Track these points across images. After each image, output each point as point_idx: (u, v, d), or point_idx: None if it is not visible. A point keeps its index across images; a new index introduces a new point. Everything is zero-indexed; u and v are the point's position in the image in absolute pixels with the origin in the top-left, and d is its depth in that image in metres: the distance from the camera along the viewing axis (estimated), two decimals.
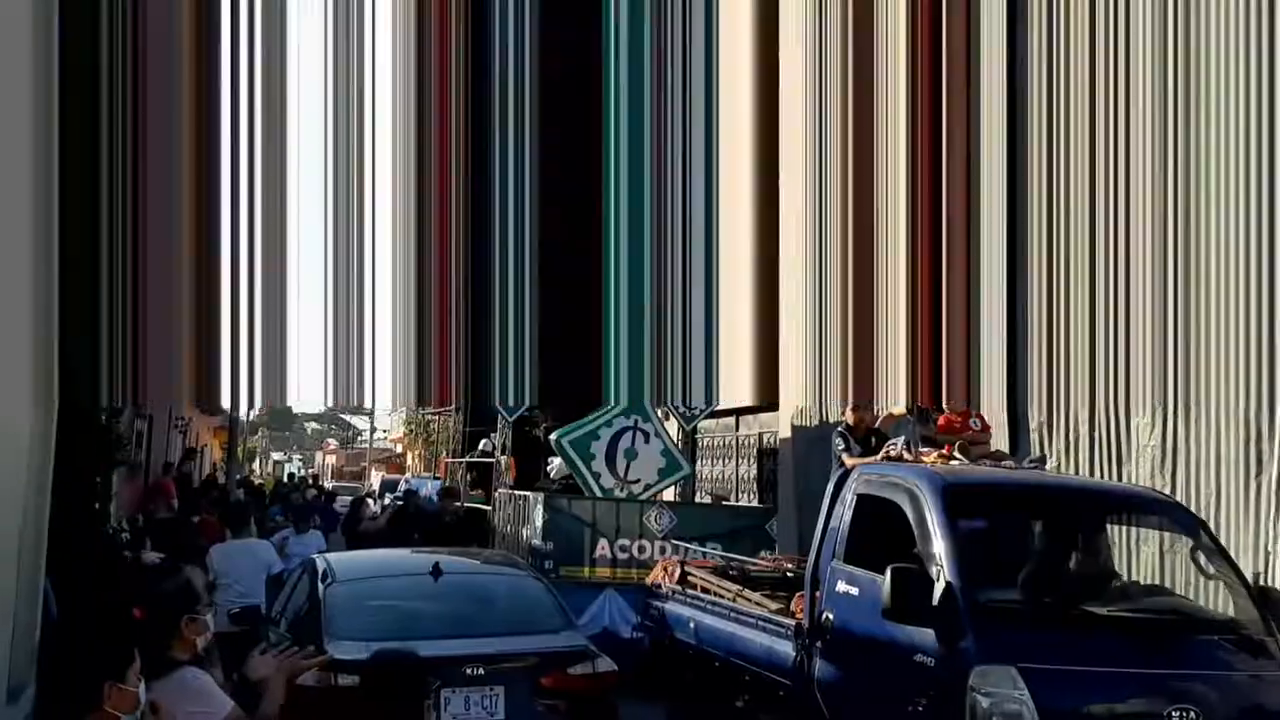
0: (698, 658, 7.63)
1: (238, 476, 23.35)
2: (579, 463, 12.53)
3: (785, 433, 16.66)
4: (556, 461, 13.12)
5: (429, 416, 43.21)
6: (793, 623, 6.46)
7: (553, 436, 12.92)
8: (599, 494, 12.20)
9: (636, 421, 12.80)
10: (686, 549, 9.97)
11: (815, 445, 15.27)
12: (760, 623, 6.86)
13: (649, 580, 8.82)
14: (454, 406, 17.66)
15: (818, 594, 6.32)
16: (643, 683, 9.30)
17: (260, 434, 72.77)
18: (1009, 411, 10.91)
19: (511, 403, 14.06)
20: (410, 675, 5.91)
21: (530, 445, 14.94)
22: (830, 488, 6.78)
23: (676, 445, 13.71)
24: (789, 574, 8.13)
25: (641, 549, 11.14)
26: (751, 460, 18.37)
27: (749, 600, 7.25)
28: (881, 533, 6.05)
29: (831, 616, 6.11)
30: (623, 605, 10.44)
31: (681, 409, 14.47)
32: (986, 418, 8.05)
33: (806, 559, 8.07)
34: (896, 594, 5.25)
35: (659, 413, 13.77)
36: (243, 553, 9.46)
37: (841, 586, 6.11)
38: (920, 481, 5.97)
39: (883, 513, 6.14)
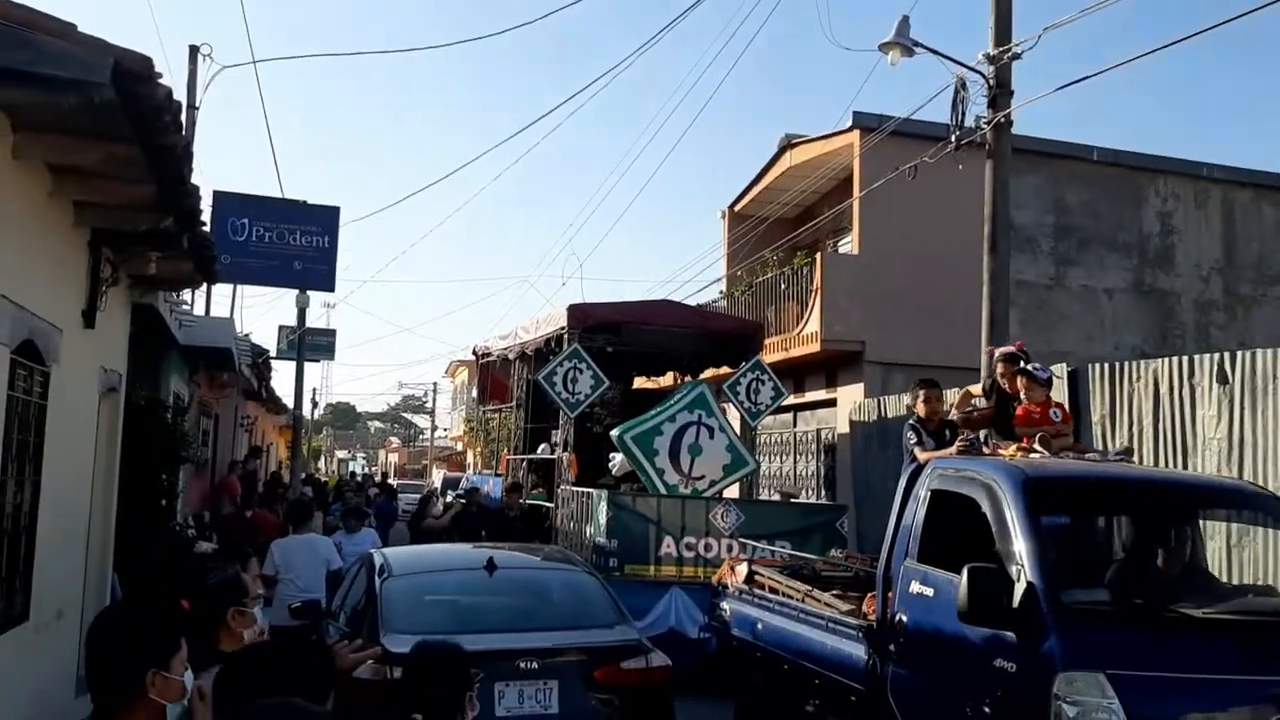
0: (765, 660, 7.32)
1: (302, 474, 23.52)
2: (642, 459, 12.11)
3: (843, 428, 16.41)
4: (618, 458, 12.76)
5: (488, 414, 43.58)
6: (864, 624, 6.17)
7: (615, 432, 12.58)
8: (663, 491, 11.84)
9: (700, 416, 12.41)
10: (754, 547, 9.67)
11: (873, 440, 15.07)
12: (830, 624, 6.55)
13: (715, 579, 8.52)
14: (514, 403, 16.95)
15: (890, 595, 6.00)
16: (710, 684, 9.06)
17: (325, 432, 73.87)
18: (1070, 404, 10.63)
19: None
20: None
21: (592, 441, 14.44)
22: (901, 483, 6.42)
23: (741, 440, 13.32)
24: (860, 573, 7.80)
25: (708, 547, 10.87)
26: (810, 456, 18.11)
27: (818, 601, 6.94)
28: (957, 531, 5.73)
29: (905, 619, 5.79)
30: (689, 604, 10.19)
31: (746, 403, 14.09)
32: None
33: (878, 558, 7.92)
34: (974, 595, 4.91)
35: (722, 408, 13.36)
36: (303, 548, 9.45)
37: (915, 587, 5.77)
38: (999, 476, 5.59)
39: (959, 509, 5.80)
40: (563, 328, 13.74)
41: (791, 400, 15.44)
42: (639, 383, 17.82)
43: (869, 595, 6.54)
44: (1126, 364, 10.04)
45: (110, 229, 7.20)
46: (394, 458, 74.87)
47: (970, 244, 13.87)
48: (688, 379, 16.08)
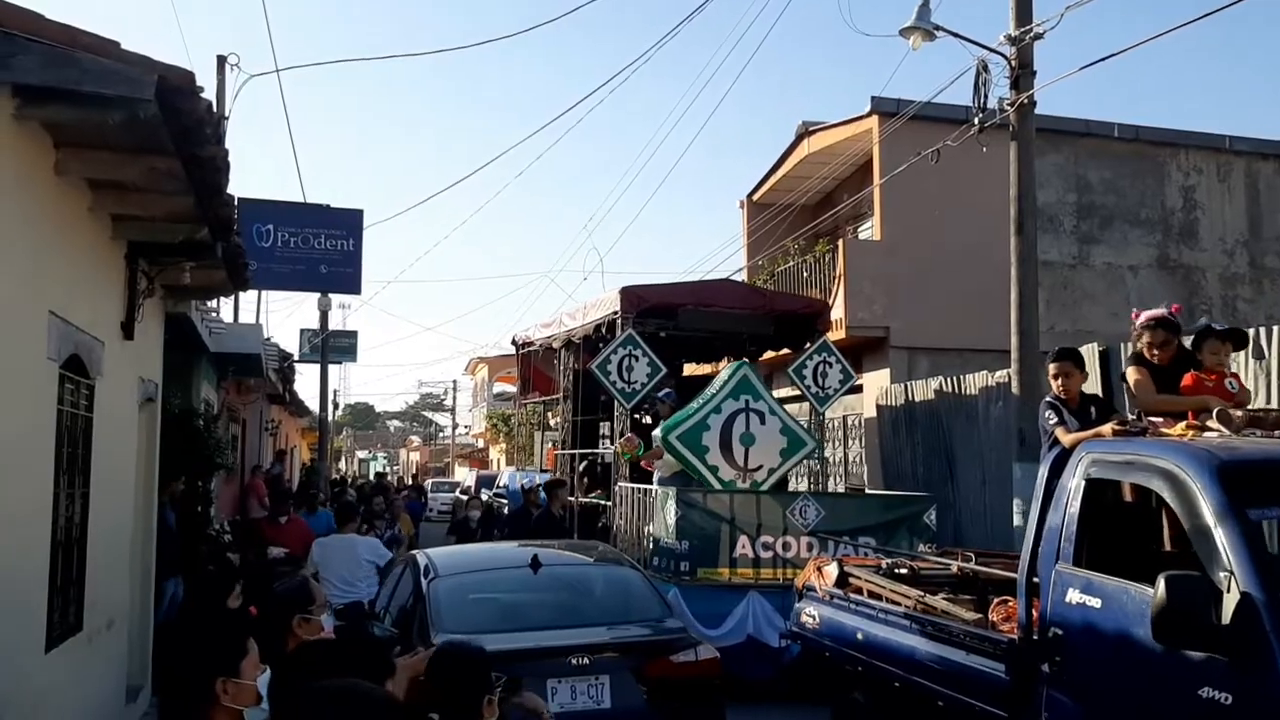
0: (868, 675, 6.48)
1: (336, 475, 23.61)
2: (693, 458, 11.08)
3: (870, 413, 16.41)
4: (667, 456, 11.70)
5: (522, 408, 43.60)
6: (1006, 640, 5.25)
7: (657, 433, 11.53)
8: (719, 489, 10.88)
9: (747, 402, 11.34)
10: (837, 544, 9.07)
11: (901, 425, 15.07)
12: (957, 637, 5.63)
13: (799, 582, 7.68)
14: (560, 395, 15.98)
15: (1036, 604, 5.11)
16: (788, 693, 8.82)
17: (344, 433, 74.18)
18: (1102, 385, 10.59)
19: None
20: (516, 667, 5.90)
21: (643, 434, 13.41)
22: (1042, 472, 5.56)
23: (795, 419, 12.20)
24: (964, 573, 7.00)
25: (786, 546, 10.03)
26: (836, 443, 18.11)
27: (933, 608, 6.03)
28: (1125, 528, 5.03)
29: (1061, 633, 4.86)
30: (768, 609, 9.46)
31: (814, 388, 13.33)
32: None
33: (977, 555, 7.32)
34: (1175, 609, 4.04)
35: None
36: (341, 547, 9.53)
37: (1075, 596, 4.83)
38: (1183, 461, 4.59)
39: (1126, 502, 5.11)
40: (615, 312, 12.89)
41: (781, 393, 15.42)
42: (689, 370, 17.12)
43: (995, 602, 5.75)
44: None
45: (146, 241, 7.28)
46: (416, 456, 75.15)
47: (994, 226, 13.85)
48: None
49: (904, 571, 7.04)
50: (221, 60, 16.06)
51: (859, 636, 6.52)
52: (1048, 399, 6.04)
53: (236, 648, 2.80)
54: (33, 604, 5.50)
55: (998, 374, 12.69)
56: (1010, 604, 5.52)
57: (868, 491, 12.86)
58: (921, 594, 6.24)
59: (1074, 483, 5.11)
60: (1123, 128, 18.00)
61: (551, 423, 19.28)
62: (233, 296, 17.30)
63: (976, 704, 5.30)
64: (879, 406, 15.82)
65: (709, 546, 9.95)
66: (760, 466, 11.23)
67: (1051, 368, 6.07)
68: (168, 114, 4.90)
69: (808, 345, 13.68)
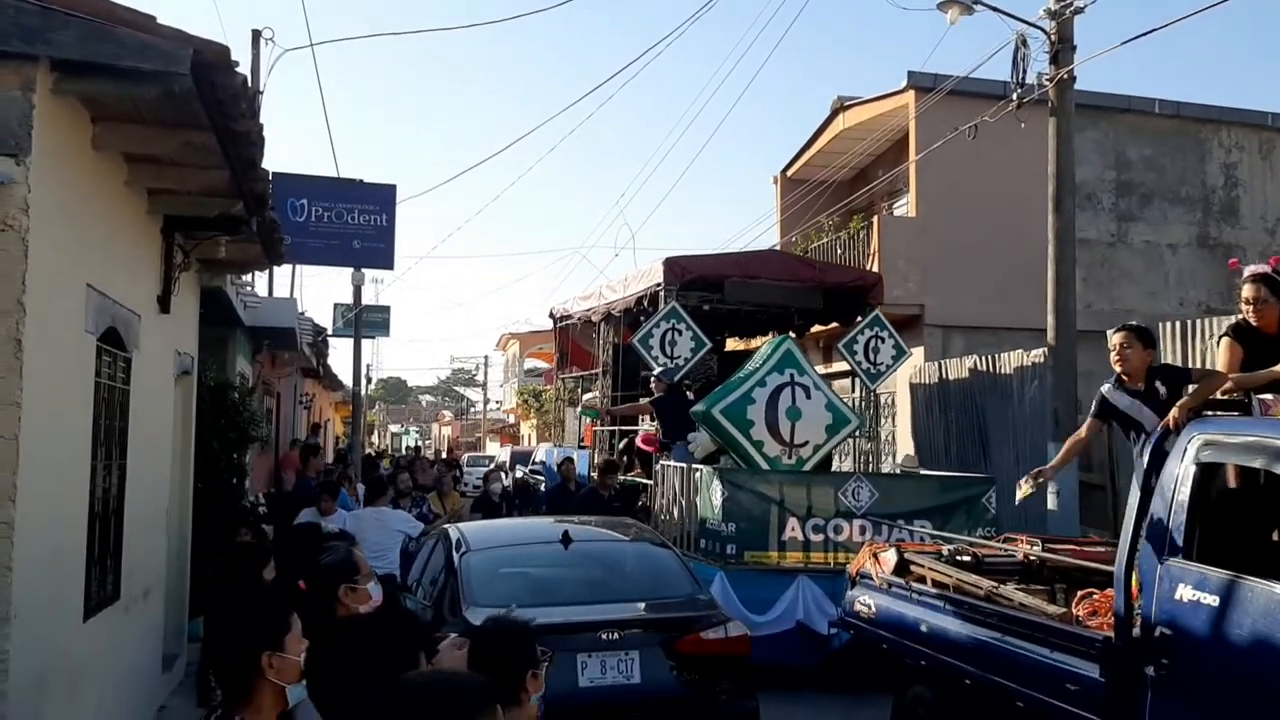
0: (934, 671, 6.05)
1: (371, 452, 23.78)
2: (737, 434, 10.58)
3: (904, 392, 16.31)
4: (699, 437, 11.29)
5: (539, 386, 43.96)
6: (1100, 637, 4.79)
7: (699, 408, 11.00)
8: (764, 466, 10.45)
9: (792, 375, 10.80)
10: (891, 528, 8.68)
11: (934, 404, 14.97)
12: (1041, 634, 5.14)
13: (853, 568, 7.22)
14: (599, 369, 15.47)
15: (1137, 600, 4.68)
16: (831, 681, 8.59)
17: (377, 407, 74.73)
18: None
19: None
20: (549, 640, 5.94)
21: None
22: (1143, 454, 5.07)
23: (839, 395, 11.71)
24: (1032, 561, 6.55)
25: (838, 529, 9.57)
26: (868, 422, 17.97)
27: (1009, 600, 5.55)
28: (1247, 518, 4.63)
29: (1171, 633, 4.44)
30: (818, 595, 9.08)
31: (865, 364, 12.84)
32: None
33: (1043, 541, 6.89)
34: None
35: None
36: (373, 520, 9.62)
37: (1186, 593, 4.41)
38: None
39: (1248, 489, 4.67)
40: (658, 284, 12.39)
41: (849, 365, 15.27)
42: (730, 344, 16.59)
43: (1079, 594, 5.34)
44: (1200, 321, 9.86)
45: (182, 215, 7.34)
46: (447, 431, 75.57)
47: (1030, 203, 13.71)
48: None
49: (966, 559, 6.56)
50: (256, 34, 16.10)
51: (923, 629, 6.09)
52: (1104, 389, 5.75)
53: (280, 622, 2.78)
54: (71, 574, 5.58)
55: (1033, 353, 12.57)
56: (1096, 597, 5.14)
57: (922, 472, 12.21)
58: (995, 584, 5.78)
59: (1182, 468, 4.67)
60: (1163, 104, 17.72)
61: (584, 398, 19.11)
62: (267, 271, 17.45)
63: (1065, 707, 4.84)
64: (912, 385, 15.72)
65: (757, 529, 9.53)
66: (806, 442, 10.77)
67: (1114, 340, 5.69)
68: (203, 88, 4.92)
69: (858, 319, 13.19)
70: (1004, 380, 13.30)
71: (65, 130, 5.09)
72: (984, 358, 13.84)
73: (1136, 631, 4.59)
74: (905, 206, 18.82)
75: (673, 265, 12.36)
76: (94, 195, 5.73)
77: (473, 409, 77.88)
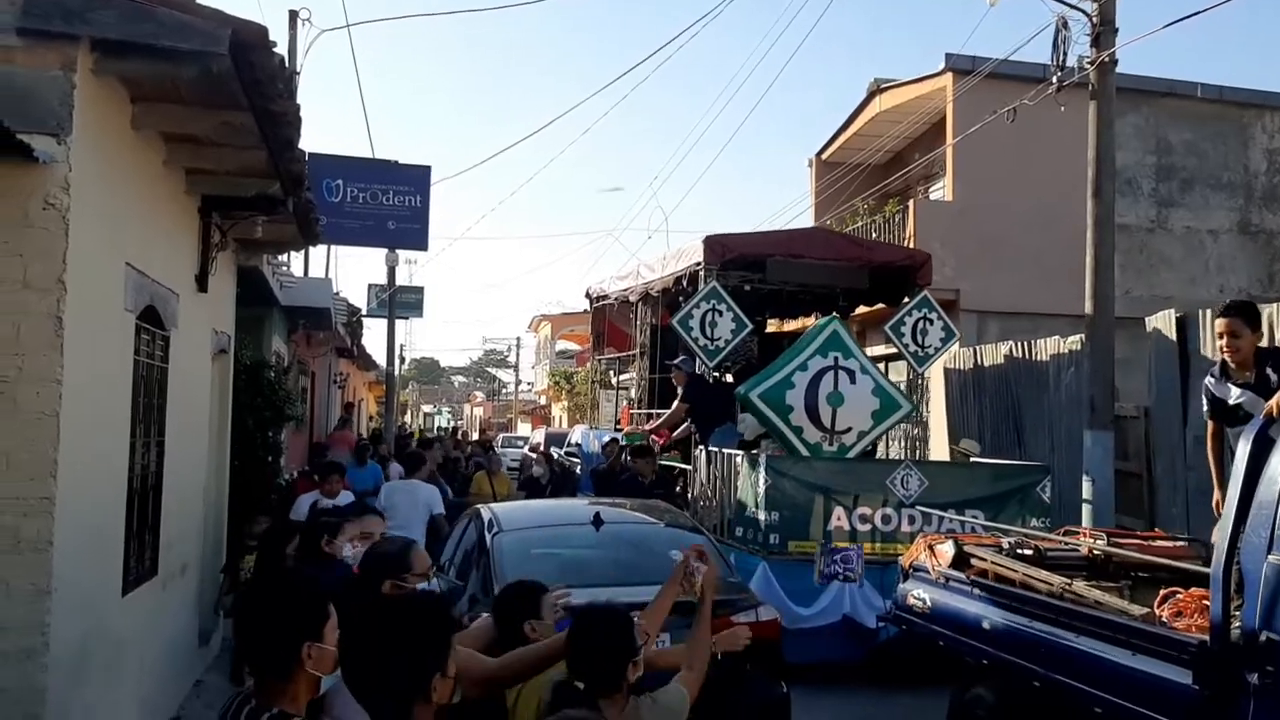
0: (996, 671, 5.74)
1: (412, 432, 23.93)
2: (775, 419, 10.19)
3: (938, 378, 16.19)
4: (748, 418, 10.93)
5: (571, 368, 44.11)
6: (1194, 641, 4.44)
7: (740, 391, 10.67)
8: (804, 452, 10.10)
9: (836, 359, 10.34)
10: (942, 518, 8.33)
11: (969, 390, 14.85)
12: (1124, 636, 4.79)
13: (905, 560, 6.92)
14: (636, 350, 15.15)
15: (1237, 602, 4.33)
16: (873, 675, 8.33)
17: (410, 387, 75.15)
18: (1179, 352, 10.35)
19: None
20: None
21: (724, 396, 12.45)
22: (1243, 448, 4.61)
23: (889, 379, 11.25)
24: (1097, 555, 6.20)
25: (886, 519, 9.31)
26: (920, 408, 17.77)
27: (1084, 599, 5.17)
28: None
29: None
30: (866, 587, 8.86)
31: (912, 346, 12.41)
32: None
33: (1108, 534, 6.61)
34: None
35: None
36: (405, 492, 9.74)
37: None
38: None
39: None
40: (698, 264, 11.95)
41: (883, 349, 15.17)
42: (771, 326, 16.22)
43: (1162, 591, 4.94)
44: None
45: (219, 195, 7.39)
46: (479, 411, 75.91)
47: (1068, 188, 13.55)
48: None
49: (1028, 552, 6.20)
50: (293, 15, 16.14)
51: (985, 626, 5.77)
52: (1209, 380, 5.38)
53: (320, 611, 2.71)
54: (111, 549, 5.66)
55: (1070, 340, 12.44)
56: (1181, 597, 4.80)
57: (973, 459, 11.67)
58: (1067, 580, 5.41)
59: None
60: (1206, 88, 17.44)
61: (614, 380, 19.03)
62: (303, 251, 17.57)
63: (1152, 715, 4.51)
64: (946, 371, 15.59)
65: (801, 517, 9.24)
66: (849, 429, 10.36)
67: (1218, 324, 5.31)
68: (241, 68, 4.95)
69: (905, 300, 12.76)
70: (1040, 367, 13.18)
71: (105, 110, 5.14)
72: (1020, 344, 13.71)
73: (1236, 635, 4.23)
74: (942, 190, 18.66)
75: (713, 244, 11.98)
76: (133, 175, 5.78)
77: (504, 390, 78.15)
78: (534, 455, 15.86)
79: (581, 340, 50.61)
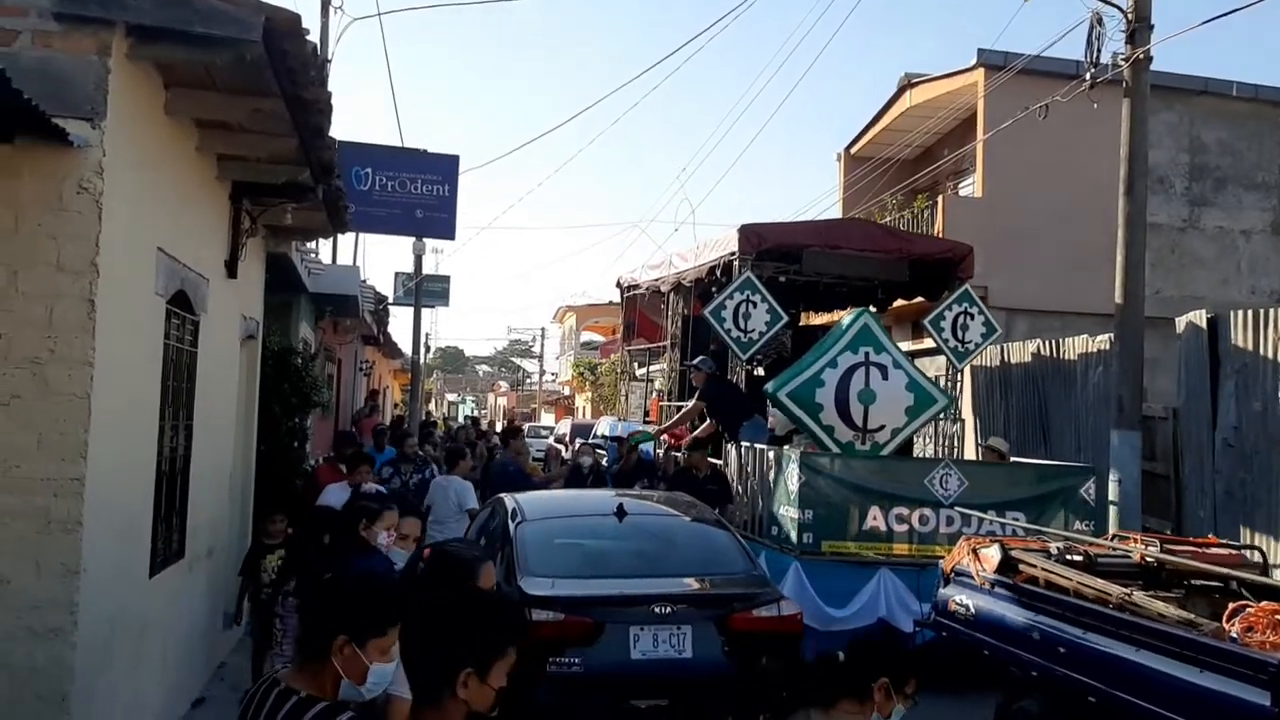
0: (1046, 684, 5.46)
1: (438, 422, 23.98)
2: (805, 417, 9.93)
3: (965, 375, 16.09)
4: (779, 412, 10.61)
5: (595, 359, 44.13)
6: (1273, 660, 4.17)
7: (768, 388, 10.32)
8: (835, 451, 9.81)
9: (867, 354, 10.01)
10: (982, 520, 8.08)
11: (995, 388, 14.76)
12: (1191, 652, 4.49)
13: (947, 564, 6.63)
14: (667, 342, 14.74)
15: None
16: (926, 688, 8.26)
17: (434, 376, 75.44)
18: (1209, 353, 10.25)
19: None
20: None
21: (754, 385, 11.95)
22: None
23: (924, 373, 10.80)
24: (1150, 561, 5.91)
25: (924, 519, 8.99)
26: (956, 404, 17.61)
27: (1146, 611, 4.86)
28: None
29: None
30: (901, 589, 8.60)
31: (952, 341, 12.01)
32: None
33: (1160, 540, 6.33)
34: None
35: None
36: (443, 489, 9.75)
37: None
38: None
39: None
40: (732, 253, 11.54)
41: (909, 345, 15.08)
42: (804, 319, 15.66)
43: (1231, 607, 4.72)
44: (1273, 310, 9.61)
45: (250, 182, 7.43)
46: (503, 401, 76.11)
47: (1099, 186, 13.44)
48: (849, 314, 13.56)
49: (1077, 558, 5.95)
50: (326, 2, 16.22)
51: (1035, 636, 5.50)
52: None
53: (385, 611, 2.74)
54: (138, 531, 5.72)
55: (1098, 338, 12.35)
56: (1252, 611, 4.58)
57: (1012, 459, 11.23)
58: (1126, 591, 5.14)
59: None
60: (1241, 86, 17.23)
61: (638, 373, 18.89)
62: (331, 238, 17.63)
63: None
64: (973, 367, 15.50)
65: (836, 516, 8.95)
66: (882, 426, 10.02)
67: None
68: (274, 55, 4.97)
69: (945, 294, 12.28)
70: (1068, 365, 13.09)
71: (139, 95, 5.17)
72: (1048, 342, 13.62)
73: None
74: (971, 186, 18.55)
75: (748, 233, 11.52)
76: (165, 160, 5.82)
77: (528, 380, 78.30)
78: (579, 446, 15.18)
79: (606, 331, 50.66)
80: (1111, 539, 6.68)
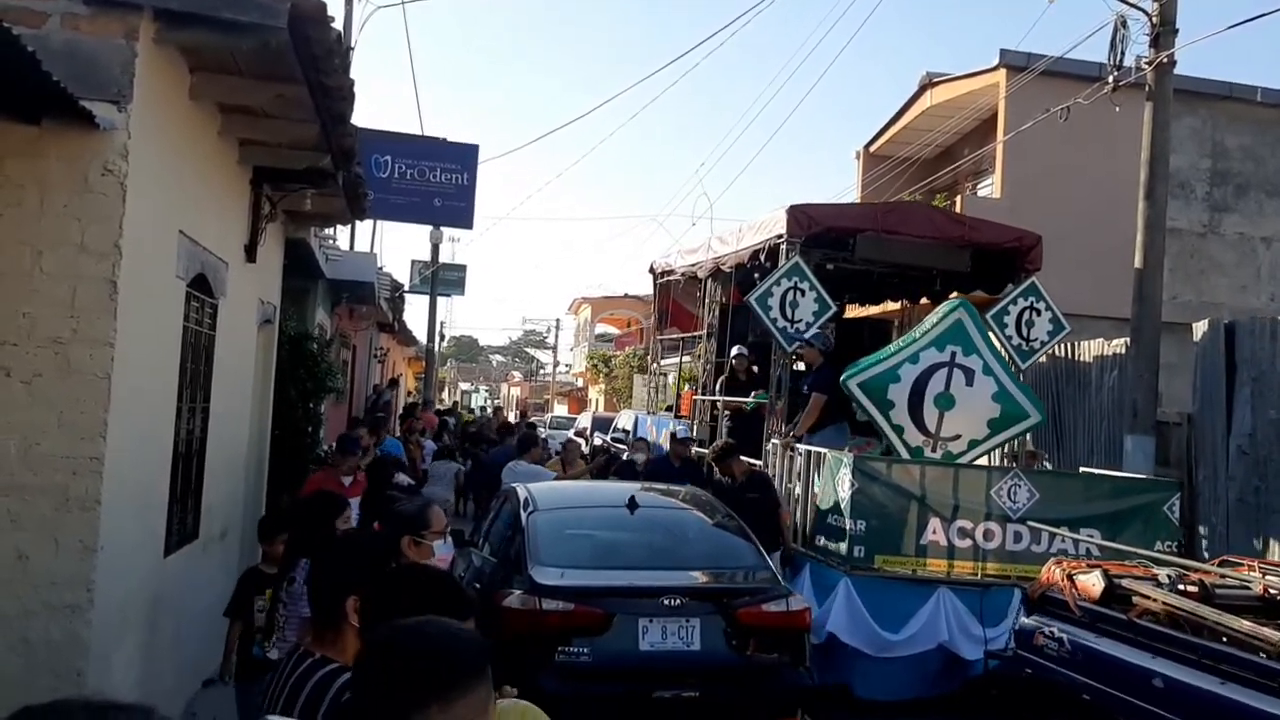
0: None
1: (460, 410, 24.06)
2: (876, 413, 9.02)
3: None
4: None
5: (609, 351, 44.15)
6: None
7: (842, 377, 9.32)
8: (904, 454, 8.99)
9: (955, 355, 9.05)
10: (1053, 537, 7.47)
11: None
12: None
13: (1033, 588, 6.01)
14: (703, 331, 13.68)
15: None
16: (963, 709, 7.47)
17: (448, 364, 75.60)
18: (1225, 361, 10.21)
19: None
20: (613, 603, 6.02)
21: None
22: None
23: (1018, 382, 9.76)
24: (1273, 592, 5.23)
25: (989, 534, 8.21)
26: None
27: None
28: None
29: None
30: (962, 612, 7.83)
31: (1016, 339, 10.97)
32: None
33: (1261, 566, 5.75)
34: None
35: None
36: (442, 473, 9.81)
37: None
38: None
39: None
40: (779, 236, 10.60)
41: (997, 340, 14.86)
42: (850, 311, 14.68)
43: None
44: None
45: (271, 167, 7.48)
46: (516, 391, 76.28)
47: (1119, 189, 13.38)
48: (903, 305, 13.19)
49: (1190, 588, 5.18)
50: None
51: (1158, 685, 4.73)
52: None
53: (363, 573, 2.80)
54: (155, 510, 5.77)
55: (1114, 342, 12.31)
56: None
57: (1083, 469, 10.37)
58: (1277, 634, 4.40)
59: None
60: (1266, 91, 17.11)
61: (659, 364, 18.77)
62: (349, 225, 17.69)
63: None
64: None
65: (891, 528, 8.17)
66: (958, 436, 9.11)
67: None
68: (298, 42, 5.00)
69: (1009, 287, 11.32)
70: (1083, 369, 13.05)
71: (165, 79, 5.21)
72: (1063, 345, 13.59)
73: None
74: (990, 187, 18.49)
75: (798, 214, 10.55)
76: (189, 144, 5.87)
77: (542, 371, 78.42)
78: (634, 442, 14.44)
79: (620, 324, 50.72)
80: (1219, 564, 5.96)
